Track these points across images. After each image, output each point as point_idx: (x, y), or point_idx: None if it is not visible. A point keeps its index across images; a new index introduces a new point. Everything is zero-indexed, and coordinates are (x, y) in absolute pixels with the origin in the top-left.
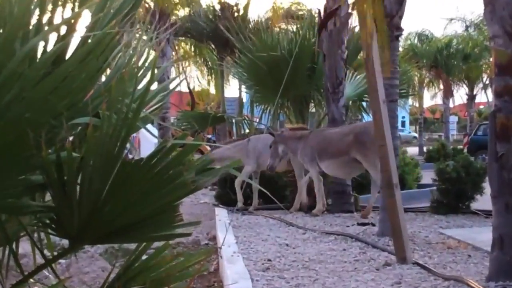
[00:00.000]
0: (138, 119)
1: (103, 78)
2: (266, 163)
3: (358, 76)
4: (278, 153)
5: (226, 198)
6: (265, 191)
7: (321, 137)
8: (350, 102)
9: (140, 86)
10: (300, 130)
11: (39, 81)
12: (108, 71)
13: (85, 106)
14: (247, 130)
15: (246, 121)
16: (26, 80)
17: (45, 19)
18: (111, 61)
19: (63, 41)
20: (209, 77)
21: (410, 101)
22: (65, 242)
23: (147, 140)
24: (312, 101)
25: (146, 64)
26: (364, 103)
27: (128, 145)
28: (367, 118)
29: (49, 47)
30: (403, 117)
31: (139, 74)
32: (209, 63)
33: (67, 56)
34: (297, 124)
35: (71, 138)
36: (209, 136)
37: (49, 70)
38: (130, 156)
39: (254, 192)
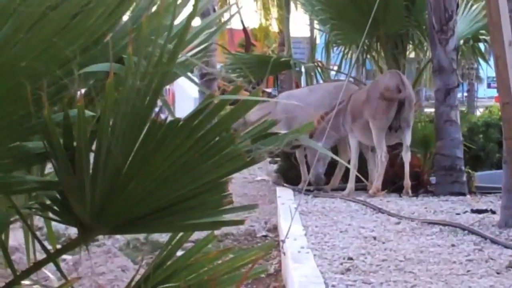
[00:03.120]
0: (174, 65)
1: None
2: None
3: (475, 7)
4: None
5: (291, 174)
6: (346, 164)
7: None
8: (461, 41)
9: (177, 22)
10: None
11: (40, 18)
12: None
13: (103, 50)
14: (320, 81)
15: (319, 69)
16: (22, 17)
17: None
18: None
19: None
20: (269, 8)
21: None
22: (73, 232)
23: (184, 95)
24: (410, 42)
25: None
26: (481, 45)
27: (160, 101)
28: (485, 66)
29: None
30: None
31: (176, 4)
32: None
33: None
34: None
35: (83, 92)
36: (269, 90)
37: (53, 4)
38: (163, 116)
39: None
